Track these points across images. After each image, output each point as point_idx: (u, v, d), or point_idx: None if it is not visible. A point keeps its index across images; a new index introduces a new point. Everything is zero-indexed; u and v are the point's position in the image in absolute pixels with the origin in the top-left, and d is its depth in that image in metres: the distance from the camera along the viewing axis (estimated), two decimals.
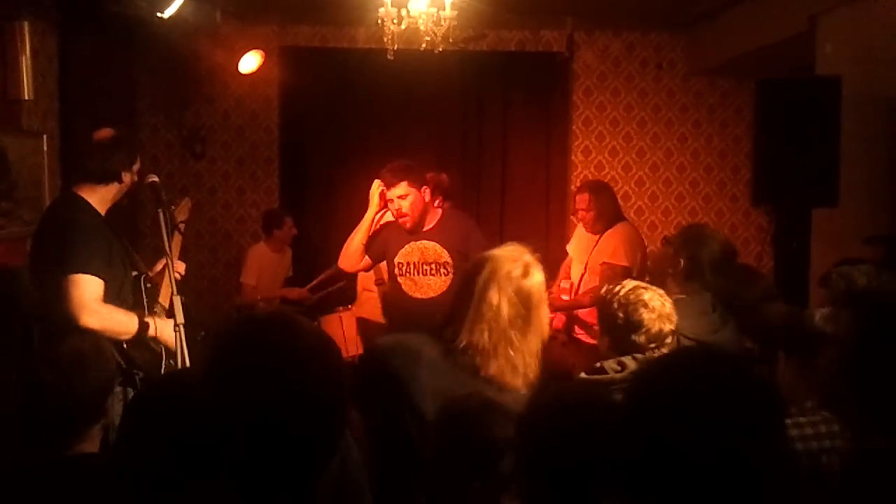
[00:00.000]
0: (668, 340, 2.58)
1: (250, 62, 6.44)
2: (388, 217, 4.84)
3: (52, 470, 2.09)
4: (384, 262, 4.52)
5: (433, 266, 4.32)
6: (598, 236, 5.17)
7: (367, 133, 7.10)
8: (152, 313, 3.39)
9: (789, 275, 4.69)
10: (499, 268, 2.40)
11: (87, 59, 5.70)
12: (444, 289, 4.26)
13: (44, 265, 3.24)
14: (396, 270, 4.33)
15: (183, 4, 4.80)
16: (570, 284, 5.24)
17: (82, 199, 3.31)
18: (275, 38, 6.77)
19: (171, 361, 3.37)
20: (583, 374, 2.59)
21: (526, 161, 7.20)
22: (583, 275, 5.18)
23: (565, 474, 1.75)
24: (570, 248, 5.50)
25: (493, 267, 2.41)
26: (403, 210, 4.23)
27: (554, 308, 4.49)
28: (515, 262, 2.42)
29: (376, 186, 4.31)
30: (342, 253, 4.46)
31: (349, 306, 5.73)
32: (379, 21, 4.53)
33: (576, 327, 5.12)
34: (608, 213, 5.20)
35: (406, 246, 4.31)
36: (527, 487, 1.85)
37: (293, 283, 6.44)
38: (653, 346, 2.56)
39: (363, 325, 5.61)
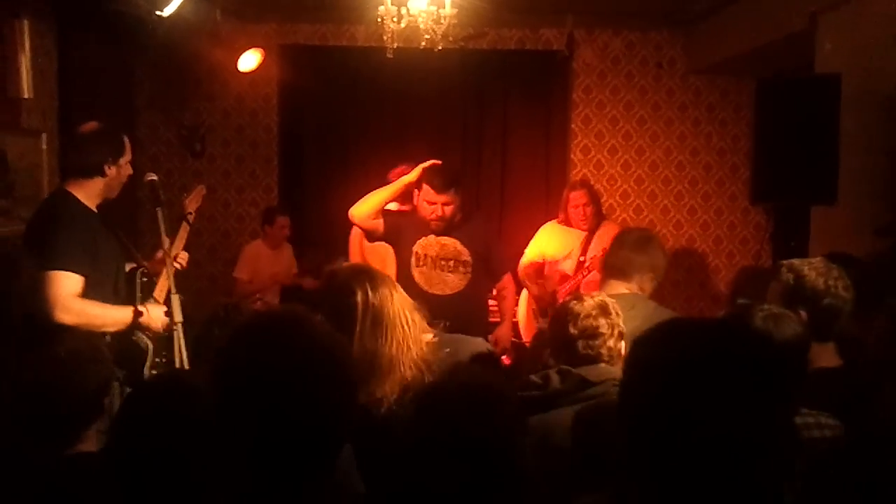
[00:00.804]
0: (603, 333, 2.52)
1: (250, 60, 6.43)
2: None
3: (52, 469, 2.09)
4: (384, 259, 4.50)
5: (452, 263, 4.27)
6: (585, 232, 5.39)
7: (367, 131, 7.10)
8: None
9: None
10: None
11: (87, 58, 5.70)
12: (460, 288, 4.24)
13: (28, 261, 3.26)
14: (413, 259, 4.26)
15: (182, 3, 4.80)
16: (572, 279, 5.29)
17: (70, 194, 3.32)
18: (274, 36, 6.77)
19: (157, 359, 3.37)
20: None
21: (525, 159, 7.20)
22: (584, 270, 5.24)
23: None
24: (545, 248, 5.54)
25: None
26: (444, 215, 4.21)
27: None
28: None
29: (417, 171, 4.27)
30: (359, 202, 4.27)
31: None
32: (379, 19, 4.52)
33: None
34: (601, 207, 5.57)
35: (426, 237, 4.28)
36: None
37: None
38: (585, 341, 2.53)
39: None
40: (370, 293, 2.45)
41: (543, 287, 5.41)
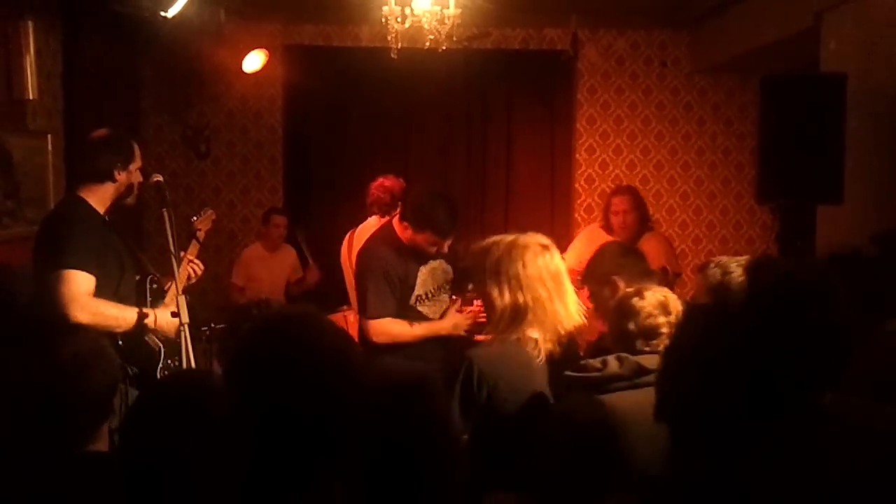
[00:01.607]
0: (663, 332, 2.51)
1: (254, 61, 6.44)
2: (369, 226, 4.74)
3: (64, 468, 2.10)
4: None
5: (446, 285, 4.10)
6: (627, 241, 4.98)
7: (371, 131, 7.10)
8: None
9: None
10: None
11: (92, 59, 5.71)
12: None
13: (39, 263, 3.29)
14: (415, 300, 3.97)
15: (187, 4, 4.80)
16: None
17: (81, 199, 3.36)
18: (279, 36, 6.77)
19: (169, 361, 3.39)
20: (567, 373, 2.58)
21: (530, 159, 7.20)
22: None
23: None
24: (585, 255, 5.28)
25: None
26: (446, 251, 4.00)
27: None
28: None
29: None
30: (387, 332, 3.89)
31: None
32: (383, 19, 4.52)
33: None
34: (646, 215, 5.17)
35: (420, 275, 3.99)
36: None
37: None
38: (645, 339, 2.53)
39: None
40: None
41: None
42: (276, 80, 6.88)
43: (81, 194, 3.38)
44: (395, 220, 4.05)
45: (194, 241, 3.78)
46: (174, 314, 3.36)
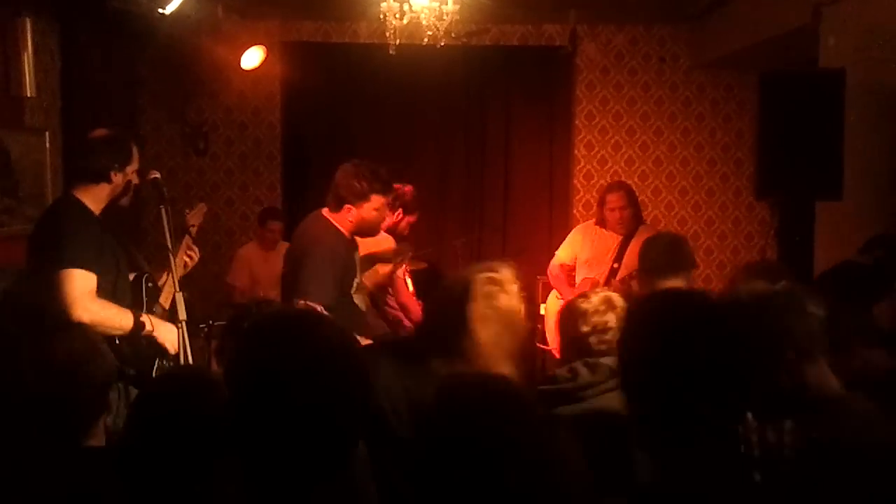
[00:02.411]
0: (612, 326, 2.55)
1: (252, 58, 6.43)
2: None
3: (61, 463, 2.10)
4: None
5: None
6: (621, 237, 5.14)
7: (370, 128, 7.09)
8: (151, 313, 3.40)
9: (793, 269, 4.67)
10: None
11: (90, 56, 5.70)
12: None
13: (37, 263, 3.27)
14: (353, 289, 3.98)
15: (185, 0, 4.80)
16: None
17: (76, 198, 3.33)
18: (277, 33, 6.76)
19: (165, 362, 3.38)
20: (540, 387, 2.58)
21: (529, 155, 7.19)
22: (614, 278, 5.08)
23: None
24: (580, 251, 5.38)
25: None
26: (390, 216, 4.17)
27: None
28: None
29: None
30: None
31: None
32: (381, 16, 4.52)
33: None
34: (639, 211, 5.23)
35: (358, 262, 4.06)
36: None
37: None
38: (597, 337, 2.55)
39: None
40: None
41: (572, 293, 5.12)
42: (274, 77, 6.87)
43: (76, 194, 3.35)
44: (334, 217, 3.89)
45: (187, 238, 3.76)
46: (171, 309, 3.36)
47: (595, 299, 2.61)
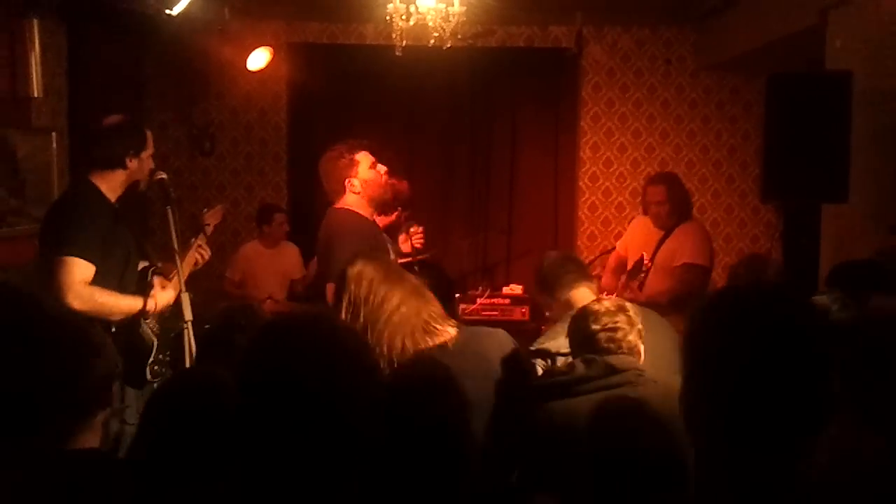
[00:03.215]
0: (623, 328, 2.60)
1: (259, 59, 6.44)
2: None
3: (60, 461, 2.09)
4: None
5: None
6: (663, 232, 4.90)
7: (376, 129, 7.08)
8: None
9: (798, 271, 4.67)
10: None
11: (96, 57, 5.72)
12: None
13: (43, 247, 3.31)
14: None
15: (191, 1, 4.81)
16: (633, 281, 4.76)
17: (92, 184, 3.37)
18: (283, 34, 6.77)
19: (161, 356, 3.39)
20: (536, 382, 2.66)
21: (534, 157, 7.20)
22: (646, 272, 4.76)
23: None
24: (629, 243, 5.16)
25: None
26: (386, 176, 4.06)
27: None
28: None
29: None
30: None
31: None
32: (387, 17, 4.53)
33: None
34: (682, 207, 4.97)
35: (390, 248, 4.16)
36: None
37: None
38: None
39: None
40: None
41: (614, 282, 4.93)
42: (280, 78, 6.88)
43: (93, 180, 3.38)
44: (344, 203, 3.93)
45: (202, 235, 3.78)
46: (176, 305, 3.39)
47: (607, 303, 2.68)
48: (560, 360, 2.93)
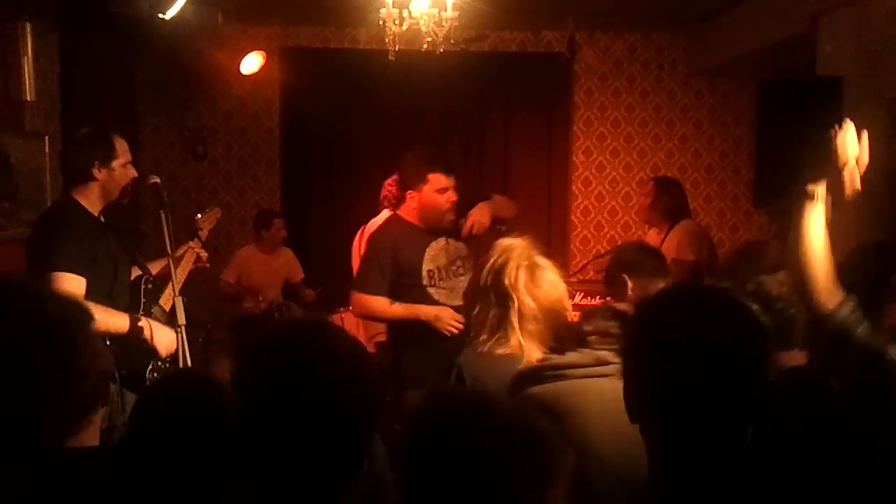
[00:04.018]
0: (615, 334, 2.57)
1: (252, 63, 6.44)
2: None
3: (54, 464, 2.09)
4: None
5: (460, 264, 3.89)
6: (662, 234, 5.17)
7: (369, 134, 7.11)
8: (149, 314, 3.40)
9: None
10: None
11: (89, 61, 5.71)
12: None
13: (29, 265, 3.28)
14: (427, 279, 3.80)
15: (185, 5, 4.80)
16: None
17: (74, 199, 3.33)
18: (276, 38, 6.78)
19: (160, 363, 3.37)
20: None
21: (527, 161, 7.21)
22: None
23: None
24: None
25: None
26: (457, 199, 3.86)
27: None
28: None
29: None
30: (368, 307, 3.88)
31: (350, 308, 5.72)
32: (380, 22, 4.53)
33: None
34: (667, 206, 5.17)
35: (430, 249, 3.86)
36: None
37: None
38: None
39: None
40: None
41: None
42: (273, 83, 6.88)
43: (73, 194, 3.35)
44: (402, 209, 3.99)
45: (196, 239, 3.76)
46: (171, 313, 3.35)
47: (603, 308, 2.69)
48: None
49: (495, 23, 6.28)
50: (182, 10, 4.82)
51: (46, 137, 5.18)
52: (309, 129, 7.26)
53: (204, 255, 3.75)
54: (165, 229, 3.40)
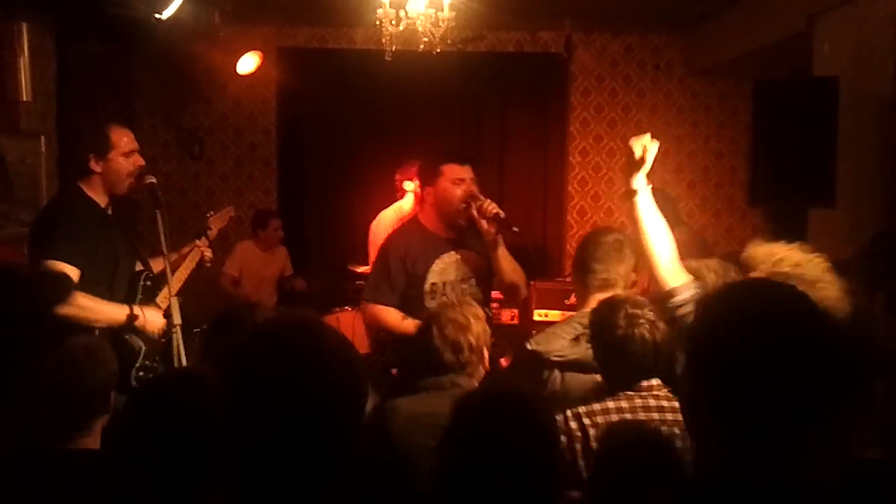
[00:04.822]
0: None
1: (248, 63, 6.44)
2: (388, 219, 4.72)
3: (55, 465, 2.09)
4: None
5: (473, 280, 3.75)
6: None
7: (365, 134, 7.11)
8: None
9: None
10: None
11: (86, 61, 5.71)
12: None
13: (30, 251, 3.30)
14: (429, 291, 3.67)
15: (181, 6, 4.80)
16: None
17: (81, 190, 3.36)
18: (273, 39, 6.78)
19: (147, 362, 3.37)
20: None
21: (523, 161, 7.22)
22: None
23: None
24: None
25: None
26: (474, 190, 3.74)
27: None
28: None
29: None
30: (380, 315, 3.74)
31: (346, 307, 5.73)
32: (377, 22, 4.53)
33: None
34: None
35: (441, 260, 3.71)
36: None
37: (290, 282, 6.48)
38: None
39: None
40: None
41: None
42: (270, 82, 6.88)
43: (81, 185, 3.37)
44: (420, 211, 3.95)
45: (203, 238, 3.76)
46: (166, 314, 3.35)
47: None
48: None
49: (492, 23, 6.28)
50: (178, 10, 4.81)
51: (42, 137, 5.18)
52: (305, 129, 7.26)
53: (209, 255, 3.74)
54: (161, 229, 3.39)
